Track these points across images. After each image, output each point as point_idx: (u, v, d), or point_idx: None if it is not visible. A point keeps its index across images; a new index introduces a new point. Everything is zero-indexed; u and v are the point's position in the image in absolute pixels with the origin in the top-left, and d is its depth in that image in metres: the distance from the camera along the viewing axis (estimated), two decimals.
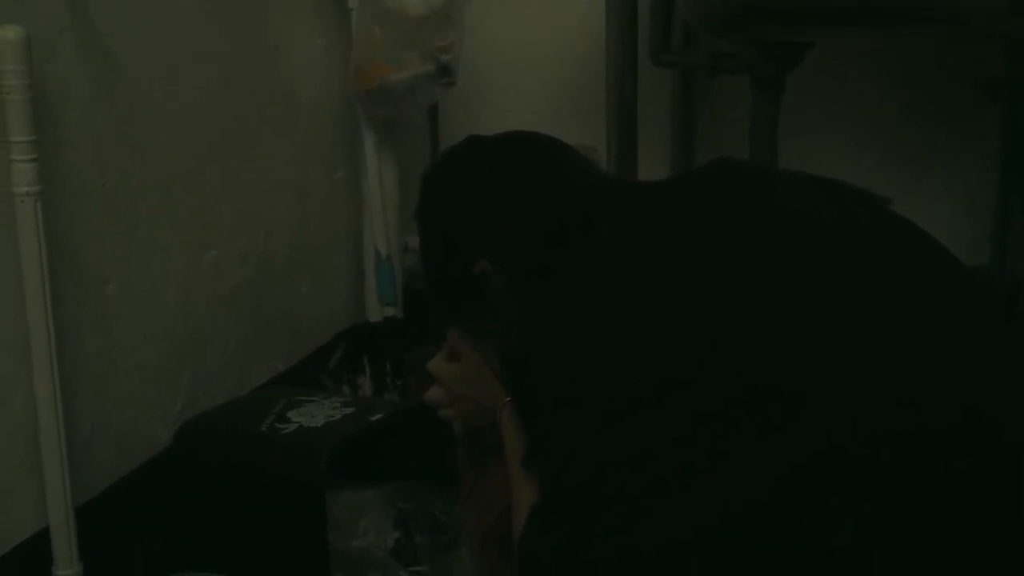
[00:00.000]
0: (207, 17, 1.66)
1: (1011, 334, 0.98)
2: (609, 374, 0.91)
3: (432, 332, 2.15)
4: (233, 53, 1.74)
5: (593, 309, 0.95)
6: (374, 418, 1.60)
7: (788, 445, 0.83)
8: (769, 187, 1.05)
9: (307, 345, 2.03)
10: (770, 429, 0.84)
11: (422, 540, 1.58)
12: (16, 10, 1.28)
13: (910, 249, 1.00)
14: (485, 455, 1.29)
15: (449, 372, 1.25)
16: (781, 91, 1.70)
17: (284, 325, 1.93)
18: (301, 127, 1.97)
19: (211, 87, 1.68)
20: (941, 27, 1.57)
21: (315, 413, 1.61)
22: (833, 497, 0.82)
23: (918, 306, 0.94)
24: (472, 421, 1.26)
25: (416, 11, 1.85)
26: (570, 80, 2.14)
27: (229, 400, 1.73)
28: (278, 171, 1.90)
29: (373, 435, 1.59)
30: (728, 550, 0.83)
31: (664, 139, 2.09)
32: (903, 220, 1.03)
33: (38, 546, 1.36)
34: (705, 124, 2.09)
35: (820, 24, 1.55)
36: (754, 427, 0.84)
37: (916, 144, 2.03)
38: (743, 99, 1.75)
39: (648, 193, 1.11)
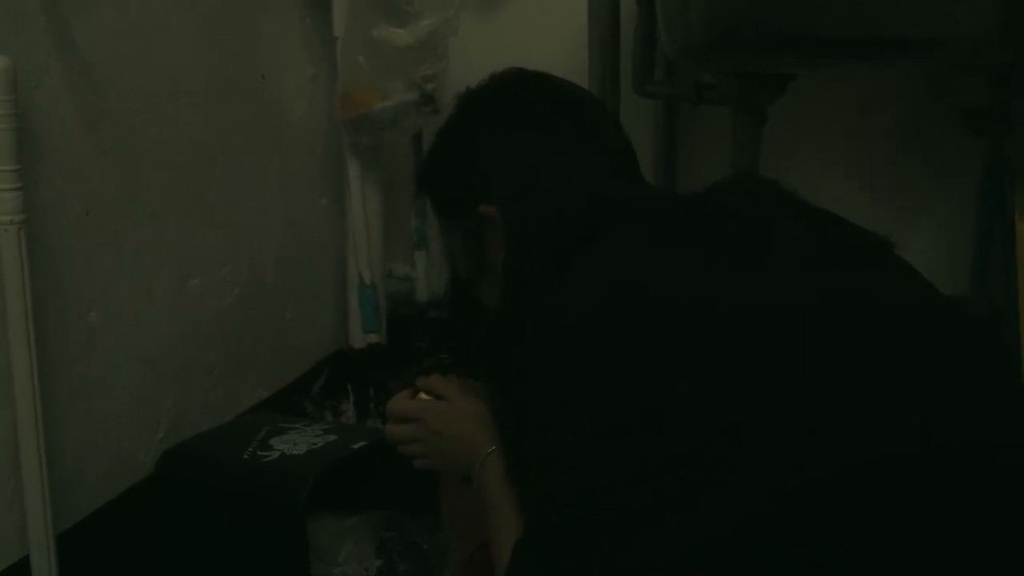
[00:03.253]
0: (194, 46, 1.67)
1: (1003, 359, 0.99)
2: (602, 398, 0.90)
3: (417, 358, 2.17)
4: (220, 81, 1.75)
5: (588, 331, 0.94)
6: (356, 446, 1.60)
7: (785, 469, 0.83)
8: (765, 215, 1.05)
9: (291, 372, 2.03)
10: (766, 454, 0.84)
11: (404, 568, 1.58)
12: (2, 39, 1.29)
13: (897, 280, 1.01)
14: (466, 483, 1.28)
15: (431, 407, 1.21)
16: (763, 121, 1.72)
17: (268, 351, 1.93)
18: (287, 154, 1.98)
19: (198, 115, 1.69)
20: (925, 58, 1.58)
21: (297, 440, 1.61)
22: (831, 522, 0.82)
23: (911, 331, 0.94)
24: (435, 462, 1.21)
25: (401, 41, 1.87)
26: None
27: (212, 427, 1.73)
28: (264, 198, 1.90)
29: (355, 463, 1.59)
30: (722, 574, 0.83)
31: (645, 167, 2.10)
32: (892, 254, 1.04)
33: (18, 574, 1.36)
34: (687, 153, 2.11)
35: (801, 56, 1.56)
36: (753, 451, 0.84)
37: (897, 174, 2.05)
38: (725, 128, 1.76)
39: (663, 208, 1.09)
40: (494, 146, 1.13)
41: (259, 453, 1.58)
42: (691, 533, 0.83)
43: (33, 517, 1.35)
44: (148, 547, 1.57)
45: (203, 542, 1.57)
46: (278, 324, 1.97)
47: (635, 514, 0.86)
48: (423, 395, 1.22)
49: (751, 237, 0.99)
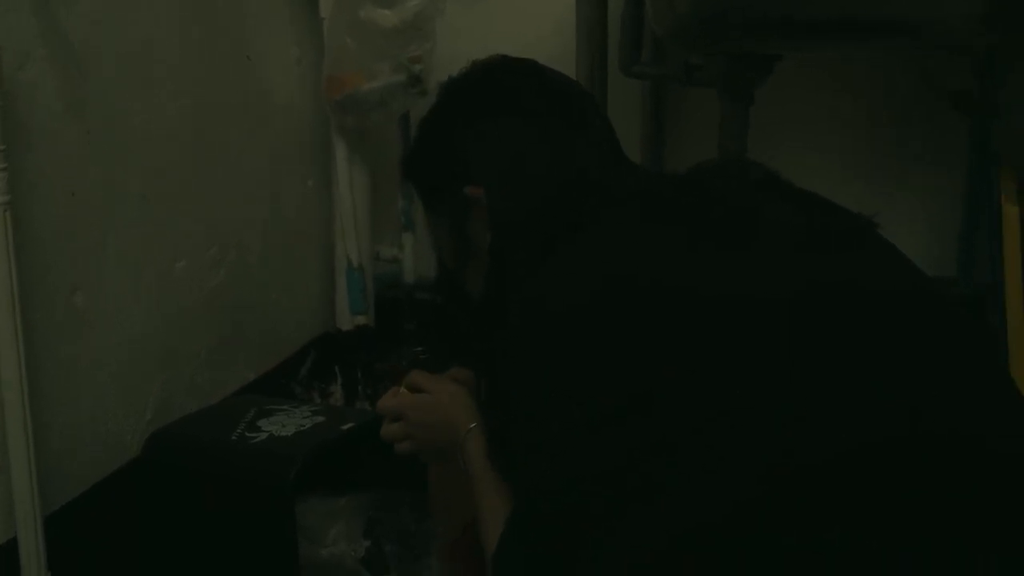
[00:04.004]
0: (180, 27, 1.66)
1: (987, 343, 0.99)
2: (588, 385, 0.91)
3: (405, 340, 2.17)
4: (206, 62, 1.74)
5: (574, 317, 0.94)
6: (345, 427, 1.60)
7: (774, 454, 0.84)
8: (751, 200, 1.05)
9: (278, 354, 2.02)
10: (755, 439, 0.84)
11: (392, 549, 1.58)
12: None
13: (884, 264, 1.02)
14: (454, 465, 1.29)
15: (411, 401, 1.23)
16: (750, 102, 1.71)
17: (255, 334, 1.93)
18: (273, 136, 1.97)
19: (184, 96, 1.68)
20: (911, 40, 1.59)
21: (286, 422, 1.61)
22: (820, 506, 0.82)
23: (898, 316, 0.95)
24: (430, 452, 1.24)
25: (388, 22, 1.86)
26: None
27: (199, 409, 1.73)
28: (250, 180, 1.89)
29: (344, 444, 1.59)
30: (709, 560, 0.83)
31: (633, 149, 2.10)
32: (879, 237, 1.04)
33: (5, 557, 1.35)
34: (675, 135, 2.10)
35: (787, 37, 1.56)
36: (742, 436, 0.84)
37: (885, 156, 2.05)
38: (713, 109, 1.76)
39: (649, 193, 1.08)
40: (480, 133, 1.13)
41: (247, 435, 1.58)
42: (679, 519, 0.83)
43: (20, 499, 1.35)
44: (135, 529, 1.57)
45: (191, 524, 1.57)
46: (265, 306, 1.97)
47: (622, 500, 0.85)
48: (404, 390, 1.23)
49: (737, 222, 0.99)
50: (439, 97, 1.20)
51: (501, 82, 1.18)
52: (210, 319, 1.78)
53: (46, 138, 1.39)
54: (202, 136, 1.74)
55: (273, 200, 1.97)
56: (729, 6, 1.50)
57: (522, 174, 1.10)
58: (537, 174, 1.10)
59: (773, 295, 0.92)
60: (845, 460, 0.83)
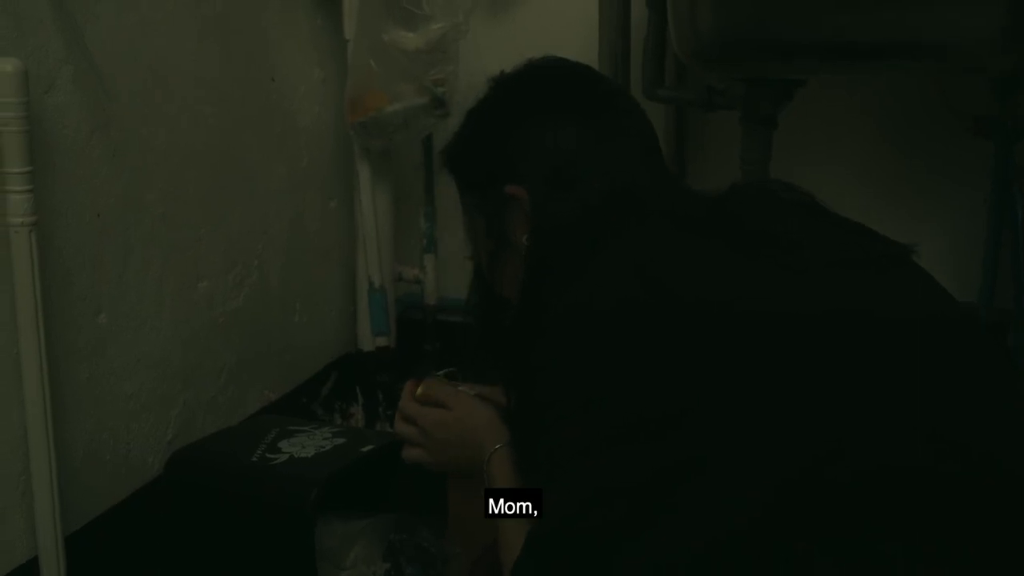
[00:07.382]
0: (204, 48, 1.67)
1: (1009, 369, 0.99)
2: (617, 399, 0.91)
3: (426, 361, 2.17)
4: (229, 84, 1.75)
5: (602, 330, 0.94)
6: (365, 449, 1.60)
7: (792, 474, 0.84)
8: (788, 219, 1.05)
9: (299, 374, 2.03)
10: (777, 458, 0.85)
11: (412, 572, 1.57)
12: (14, 43, 1.29)
13: (915, 289, 1.01)
14: (473, 487, 1.29)
15: (433, 417, 1.22)
16: (772, 127, 1.72)
17: (276, 354, 1.93)
18: (296, 157, 1.98)
19: (207, 118, 1.69)
20: (929, 62, 1.59)
21: (306, 443, 1.61)
22: (832, 527, 0.82)
23: (923, 342, 0.95)
24: (449, 470, 1.24)
25: (412, 45, 1.87)
26: None
27: (220, 429, 1.73)
28: (272, 201, 1.90)
29: (364, 466, 1.59)
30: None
31: None
32: (913, 264, 1.04)
33: None
34: (697, 158, 2.10)
35: (805, 59, 1.57)
36: (766, 453, 0.85)
37: (907, 180, 2.05)
38: (735, 133, 1.76)
39: (687, 211, 1.08)
40: (529, 132, 1.12)
41: (267, 456, 1.58)
42: (698, 537, 0.84)
43: (42, 519, 1.35)
44: (156, 549, 1.57)
45: (211, 545, 1.57)
46: (287, 327, 1.97)
47: (642, 518, 0.86)
48: (421, 393, 1.23)
49: (772, 239, 0.99)
50: (491, 91, 1.19)
51: (555, 82, 1.17)
52: (232, 339, 1.79)
53: (71, 159, 1.40)
54: (225, 157, 1.75)
55: (295, 220, 1.98)
56: (749, 29, 1.50)
57: (569, 178, 1.09)
58: (584, 179, 1.09)
59: (807, 313, 0.93)
60: (864, 481, 0.84)
